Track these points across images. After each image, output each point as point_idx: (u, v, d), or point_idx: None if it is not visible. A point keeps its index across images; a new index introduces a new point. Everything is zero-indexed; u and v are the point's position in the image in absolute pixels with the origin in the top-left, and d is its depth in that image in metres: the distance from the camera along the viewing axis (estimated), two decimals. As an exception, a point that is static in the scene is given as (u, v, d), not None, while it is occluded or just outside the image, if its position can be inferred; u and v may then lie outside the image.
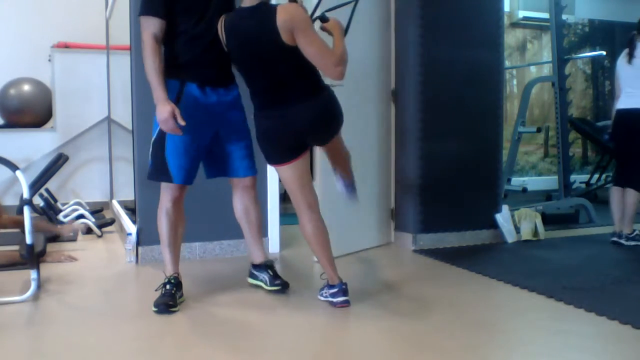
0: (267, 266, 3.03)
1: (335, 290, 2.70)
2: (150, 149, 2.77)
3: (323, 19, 2.65)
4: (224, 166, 2.94)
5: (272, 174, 3.75)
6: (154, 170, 2.77)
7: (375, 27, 4.01)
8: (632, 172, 4.04)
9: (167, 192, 2.79)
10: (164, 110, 2.57)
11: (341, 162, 2.94)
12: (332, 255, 2.75)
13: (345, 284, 2.71)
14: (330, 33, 2.62)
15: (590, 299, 2.77)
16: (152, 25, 2.64)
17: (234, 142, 2.89)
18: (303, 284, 3.14)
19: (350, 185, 3.01)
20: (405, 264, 3.68)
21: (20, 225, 3.65)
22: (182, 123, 2.57)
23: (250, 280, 3.10)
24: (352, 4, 2.86)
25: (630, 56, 4.03)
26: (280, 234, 3.92)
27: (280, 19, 2.46)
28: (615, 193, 4.13)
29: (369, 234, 3.99)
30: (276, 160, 2.72)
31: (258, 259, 3.05)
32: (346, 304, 2.67)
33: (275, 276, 3.01)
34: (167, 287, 2.73)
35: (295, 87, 2.60)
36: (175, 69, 2.72)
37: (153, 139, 2.76)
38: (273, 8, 2.51)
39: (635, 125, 3.97)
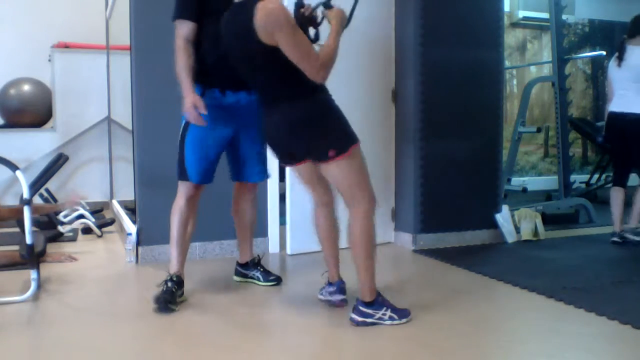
0: (255, 264, 3.13)
1: (333, 288, 2.70)
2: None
3: (327, 5, 2.51)
4: (239, 170, 3.00)
5: (272, 174, 3.75)
6: (177, 169, 2.83)
7: (375, 27, 4.01)
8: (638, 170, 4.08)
9: (182, 190, 2.84)
10: (188, 101, 2.65)
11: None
12: (338, 254, 2.73)
13: (344, 283, 2.71)
14: (329, 22, 2.47)
15: (590, 299, 2.76)
16: (185, 28, 2.72)
17: (250, 145, 2.94)
18: (303, 283, 3.14)
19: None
20: (405, 264, 3.68)
21: (20, 214, 3.65)
22: (204, 112, 2.64)
23: (237, 278, 3.17)
24: None
25: (620, 59, 4.07)
26: (280, 234, 3.92)
27: (257, 17, 2.31)
28: (615, 193, 4.15)
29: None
30: (281, 161, 2.69)
31: (246, 257, 3.14)
32: (344, 302, 2.67)
33: (267, 272, 3.11)
34: (169, 284, 2.75)
35: (277, 90, 2.46)
36: (199, 73, 2.76)
37: (178, 140, 2.82)
38: (254, 5, 2.34)
39: (629, 128, 4.02)
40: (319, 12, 2.54)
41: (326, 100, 2.47)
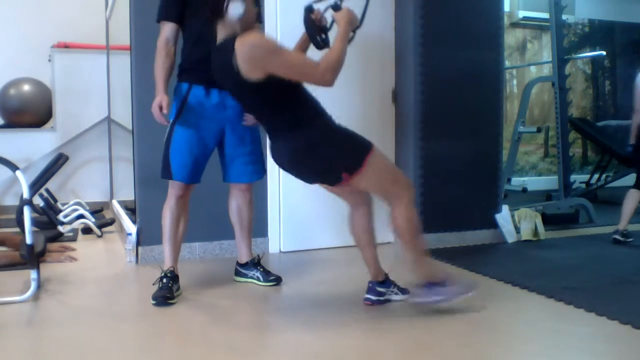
0: (255, 263, 3.15)
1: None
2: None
3: (335, 7, 2.47)
4: (227, 171, 3.02)
5: (272, 174, 3.75)
6: (161, 167, 2.87)
7: (375, 27, 4.01)
8: None
9: (172, 190, 2.89)
10: (156, 100, 2.73)
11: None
12: (376, 254, 2.77)
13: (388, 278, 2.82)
14: (338, 24, 2.43)
15: (590, 299, 2.77)
16: (167, 30, 2.80)
17: (238, 146, 2.95)
18: (303, 283, 3.14)
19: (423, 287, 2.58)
20: (405, 264, 3.67)
21: (4, 243, 3.65)
22: (165, 112, 2.72)
23: (238, 278, 3.18)
24: None
25: None
26: (279, 234, 3.92)
27: (238, 56, 2.27)
28: (632, 195, 4.18)
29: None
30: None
31: (245, 257, 3.16)
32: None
33: (266, 272, 3.12)
34: (164, 280, 2.82)
35: (271, 123, 2.45)
36: (184, 72, 2.83)
37: (165, 138, 2.86)
38: (232, 44, 2.30)
39: None
40: (328, 15, 2.51)
41: (325, 124, 2.43)
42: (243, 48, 2.27)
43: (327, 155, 2.38)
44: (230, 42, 2.33)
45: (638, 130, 4.25)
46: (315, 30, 2.50)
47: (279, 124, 2.42)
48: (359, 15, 2.51)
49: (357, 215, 2.67)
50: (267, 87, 2.32)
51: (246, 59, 2.27)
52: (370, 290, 2.75)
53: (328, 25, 2.56)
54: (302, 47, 2.70)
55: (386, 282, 2.77)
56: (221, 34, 2.43)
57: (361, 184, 2.44)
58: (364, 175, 2.39)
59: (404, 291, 2.77)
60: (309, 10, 2.49)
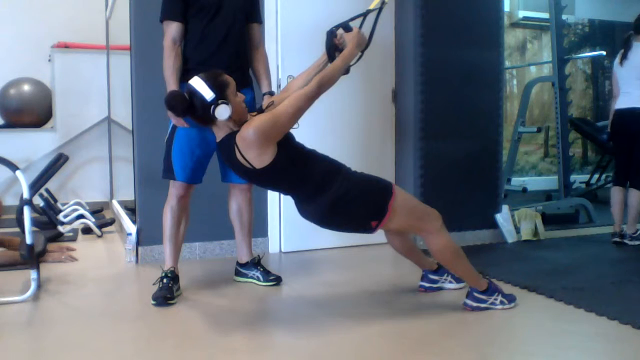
0: (255, 264, 3.15)
1: (438, 276, 2.98)
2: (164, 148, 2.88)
3: (346, 27, 2.55)
4: (226, 171, 3.02)
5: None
6: (163, 167, 2.87)
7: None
8: (635, 172, 4.04)
9: (173, 190, 2.89)
10: None
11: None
12: (421, 256, 2.97)
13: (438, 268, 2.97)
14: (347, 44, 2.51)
15: (590, 299, 2.77)
16: (173, 30, 2.78)
17: None
18: (302, 283, 3.14)
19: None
20: (405, 264, 3.66)
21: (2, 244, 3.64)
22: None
23: (238, 278, 3.18)
24: (376, 12, 2.66)
25: (623, 57, 4.07)
26: (279, 234, 3.92)
27: (243, 150, 2.32)
28: (616, 193, 4.14)
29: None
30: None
31: (245, 257, 3.16)
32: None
33: (267, 272, 3.12)
34: (165, 280, 2.82)
35: (297, 195, 2.52)
36: (188, 73, 2.79)
37: (166, 138, 2.87)
38: (233, 141, 2.35)
39: (634, 125, 4.00)
40: (339, 34, 2.57)
41: (344, 180, 2.46)
42: (246, 140, 2.30)
43: (353, 211, 2.46)
44: (230, 139, 2.36)
45: (614, 117, 4.17)
46: (336, 53, 2.57)
47: (304, 194, 2.48)
48: (367, 35, 2.59)
49: (392, 235, 2.83)
50: (280, 163, 2.36)
51: (254, 146, 2.30)
52: (423, 277, 2.96)
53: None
54: (320, 68, 2.69)
55: (439, 270, 2.95)
56: (218, 132, 2.43)
57: (390, 226, 2.54)
58: (391, 220, 2.47)
59: (459, 280, 2.95)
60: (331, 34, 2.57)
